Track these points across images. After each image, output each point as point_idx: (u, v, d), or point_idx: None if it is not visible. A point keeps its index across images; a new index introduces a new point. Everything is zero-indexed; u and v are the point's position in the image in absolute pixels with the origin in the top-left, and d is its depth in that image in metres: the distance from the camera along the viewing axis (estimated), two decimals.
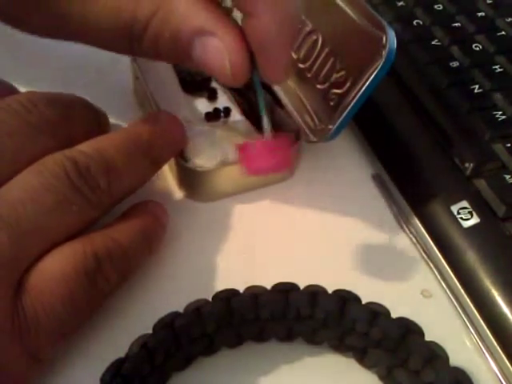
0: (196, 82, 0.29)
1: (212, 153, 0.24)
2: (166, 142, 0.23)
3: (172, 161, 0.25)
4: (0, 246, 0.17)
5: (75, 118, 0.23)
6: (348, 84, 0.25)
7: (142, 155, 0.22)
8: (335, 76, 0.26)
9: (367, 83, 0.24)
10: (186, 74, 0.29)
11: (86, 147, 0.21)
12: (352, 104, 0.24)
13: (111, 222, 0.21)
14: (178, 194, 0.26)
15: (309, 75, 0.27)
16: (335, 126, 0.25)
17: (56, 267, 0.18)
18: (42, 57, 0.32)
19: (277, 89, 0.28)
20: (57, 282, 0.18)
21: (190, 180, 0.25)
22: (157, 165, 0.23)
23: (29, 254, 0.18)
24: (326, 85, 0.26)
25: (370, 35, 0.24)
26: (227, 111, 0.29)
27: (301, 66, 0.28)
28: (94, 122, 0.24)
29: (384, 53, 0.23)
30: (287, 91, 0.28)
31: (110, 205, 0.21)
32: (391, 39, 0.23)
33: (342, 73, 0.25)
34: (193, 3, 0.19)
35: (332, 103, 0.26)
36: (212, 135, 0.25)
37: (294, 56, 0.28)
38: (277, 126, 0.28)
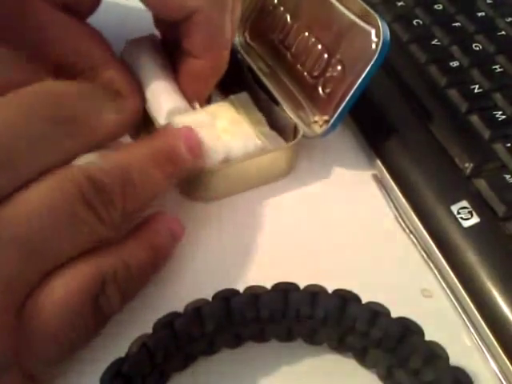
0: None
1: (211, 153, 0.24)
2: (184, 159, 0.22)
3: None
4: (9, 264, 0.17)
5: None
6: (344, 77, 0.25)
7: (159, 172, 0.21)
8: (330, 70, 0.26)
9: (363, 76, 0.24)
10: None
11: (105, 162, 0.20)
12: (348, 97, 0.24)
13: (124, 238, 0.21)
14: (178, 193, 0.26)
15: (302, 71, 0.27)
16: (333, 119, 0.25)
17: (62, 289, 0.18)
18: None
19: (271, 86, 0.28)
20: (61, 304, 0.18)
21: (190, 180, 0.25)
22: (170, 180, 0.22)
23: (37, 272, 0.18)
24: (321, 79, 0.26)
25: (362, 28, 0.24)
26: None
27: (293, 61, 0.28)
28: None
29: (378, 45, 0.23)
30: (281, 88, 0.28)
31: (121, 223, 0.20)
32: (384, 31, 0.23)
33: (337, 66, 0.25)
34: None
35: (328, 97, 0.26)
36: (211, 136, 0.25)
37: (286, 52, 0.28)
38: (274, 124, 0.28)
